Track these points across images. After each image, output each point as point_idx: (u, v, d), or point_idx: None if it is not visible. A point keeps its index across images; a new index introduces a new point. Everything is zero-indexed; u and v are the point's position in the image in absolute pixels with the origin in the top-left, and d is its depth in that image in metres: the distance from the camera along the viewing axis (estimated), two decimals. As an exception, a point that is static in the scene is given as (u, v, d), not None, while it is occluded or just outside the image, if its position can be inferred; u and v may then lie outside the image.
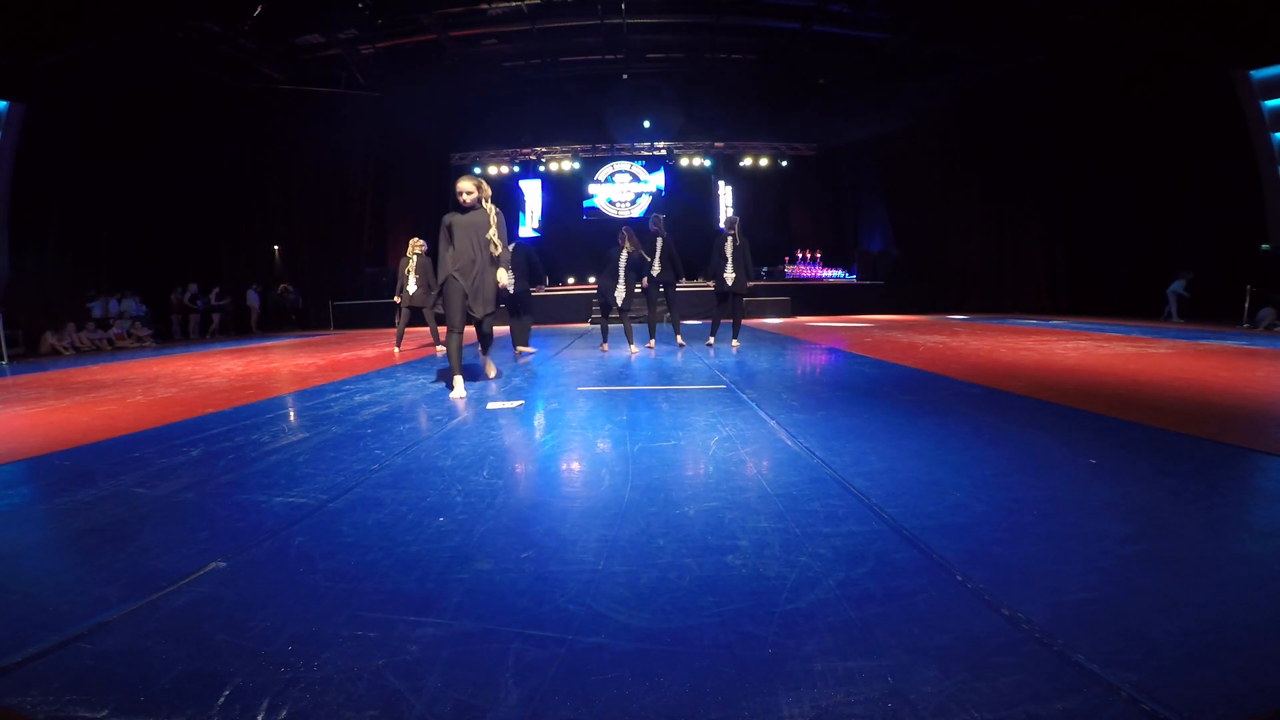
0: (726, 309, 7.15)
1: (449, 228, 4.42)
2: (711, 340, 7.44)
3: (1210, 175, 11.14)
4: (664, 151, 17.79)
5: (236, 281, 14.45)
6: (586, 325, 12.78)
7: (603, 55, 14.88)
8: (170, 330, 13.14)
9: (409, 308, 7.74)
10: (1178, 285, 10.81)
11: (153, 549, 1.86)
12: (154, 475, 2.63)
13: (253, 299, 14.47)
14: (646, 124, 16.60)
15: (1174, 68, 10.97)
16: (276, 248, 15.29)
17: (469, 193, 4.36)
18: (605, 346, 7.26)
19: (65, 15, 9.67)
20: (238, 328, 14.34)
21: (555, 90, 16.09)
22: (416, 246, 7.70)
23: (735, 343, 7.38)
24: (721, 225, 7.41)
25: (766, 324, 11.83)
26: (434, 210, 18.11)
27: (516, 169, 18.14)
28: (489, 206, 4.44)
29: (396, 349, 7.78)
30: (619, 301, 6.65)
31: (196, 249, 14.17)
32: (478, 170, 17.79)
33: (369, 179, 16.17)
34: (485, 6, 12.36)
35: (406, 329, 8.08)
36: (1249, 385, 4.12)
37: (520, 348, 6.83)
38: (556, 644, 1.30)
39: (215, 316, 13.83)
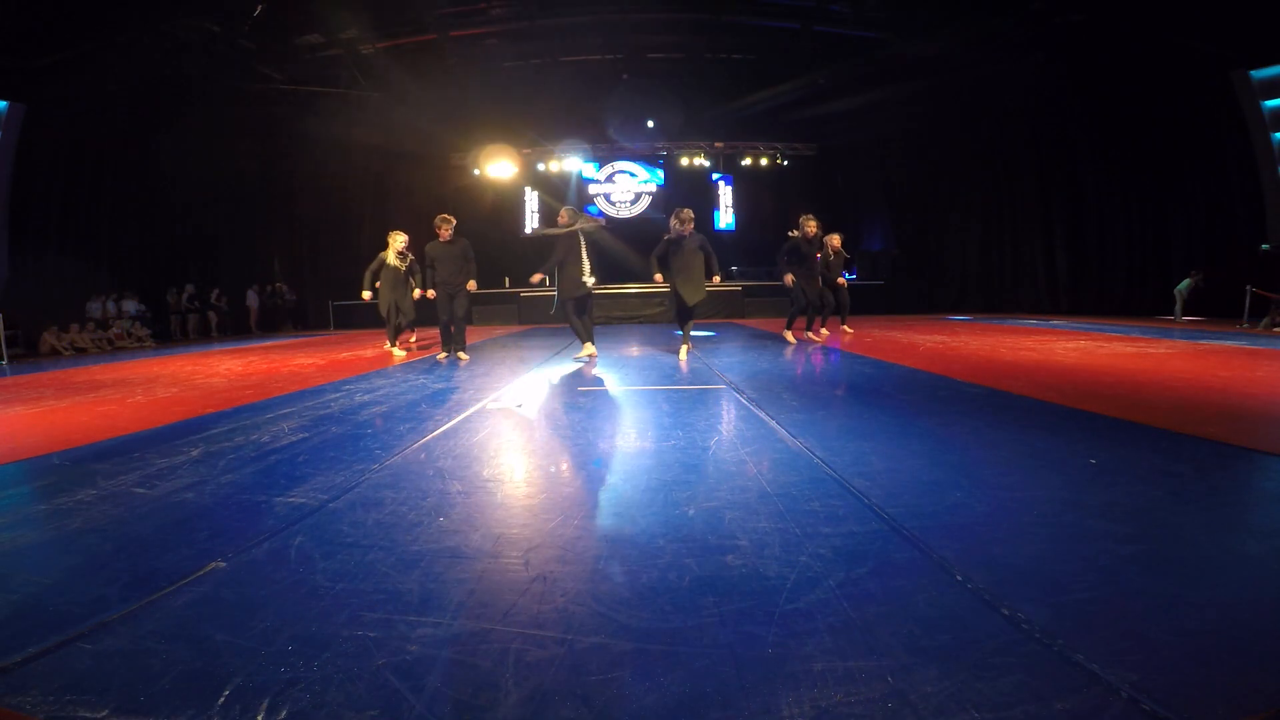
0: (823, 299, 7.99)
1: (572, 244, 5.97)
2: (826, 331, 8.24)
3: (1210, 175, 11.14)
4: (664, 151, 17.76)
5: (236, 282, 14.45)
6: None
7: (603, 55, 14.87)
8: (169, 330, 13.14)
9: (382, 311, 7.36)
10: (1184, 285, 10.78)
11: (153, 549, 1.86)
12: (154, 475, 2.63)
13: (252, 299, 14.48)
14: (651, 124, 16.57)
15: (1174, 68, 10.96)
16: (276, 260, 15.29)
17: (567, 220, 6.09)
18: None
19: (65, 16, 9.66)
20: (236, 328, 14.34)
21: (555, 90, 16.07)
22: (398, 242, 7.23)
23: (831, 330, 8.42)
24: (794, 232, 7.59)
25: (767, 324, 11.82)
26: (435, 210, 18.18)
27: (516, 169, 18.11)
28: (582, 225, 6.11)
29: (390, 346, 7.62)
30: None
31: (196, 249, 14.17)
32: (477, 172, 17.80)
33: (369, 179, 16.16)
34: (485, 6, 12.36)
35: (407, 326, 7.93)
36: (1249, 385, 4.12)
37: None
38: (556, 644, 1.30)
39: (213, 316, 13.84)
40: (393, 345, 7.56)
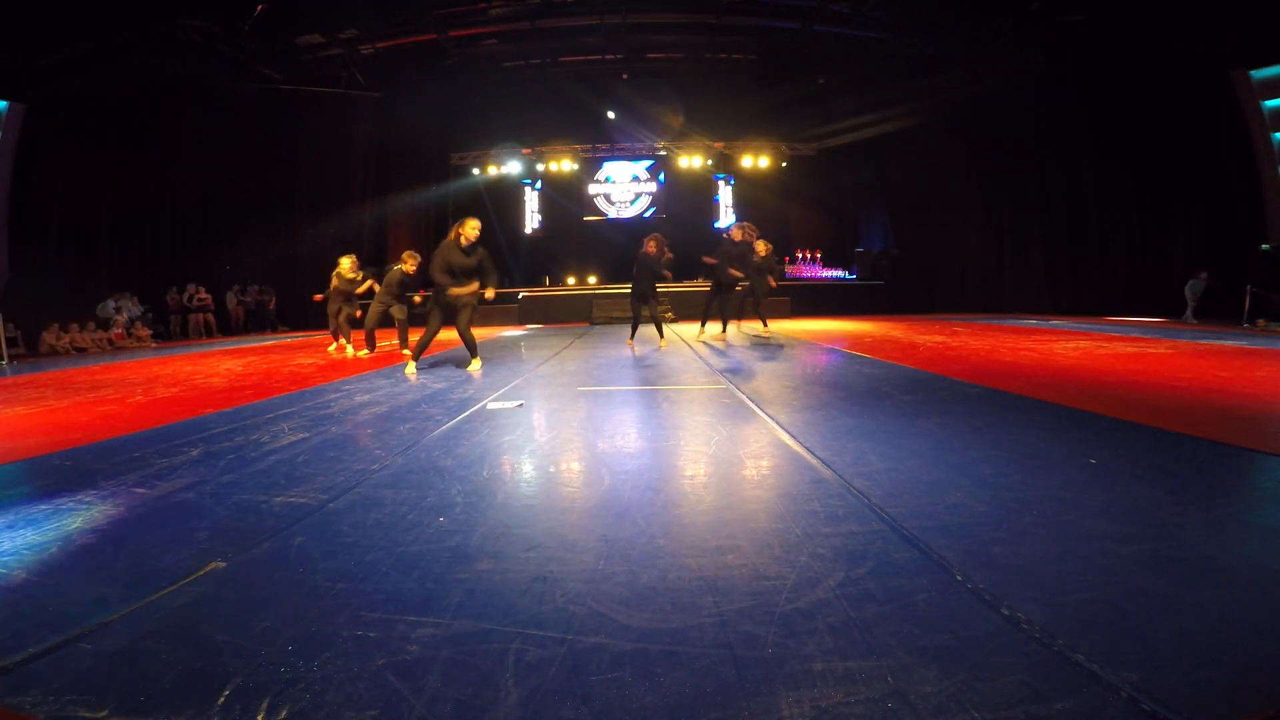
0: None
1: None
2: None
3: (1210, 175, 11.13)
4: (664, 151, 17.76)
5: (233, 282, 14.46)
6: (586, 325, 12.77)
7: (602, 55, 14.87)
8: (169, 330, 13.14)
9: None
10: (1195, 284, 10.74)
11: (153, 549, 1.86)
12: (154, 475, 2.63)
13: (231, 300, 14.49)
14: (611, 115, 16.44)
15: (1174, 68, 10.95)
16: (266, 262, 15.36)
17: None
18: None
19: (65, 15, 9.67)
20: (232, 328, 14.35)
21: (555, 90, 16.07)
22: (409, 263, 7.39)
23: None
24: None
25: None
26: (434, 211, 18.19)
27: (516, 169, 18.12)
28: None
29: (395, 348, 7.76)
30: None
31: (196, 249, 14.17)
32: (476, 171, 17.79)
33: (369, 179, 16.16)
34: (485, 6, 12.36)
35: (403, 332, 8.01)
36: (1249, 385, 4.12)
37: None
38: (556, 644, 1.30)
39: (212, 317, 13.84)
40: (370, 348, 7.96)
